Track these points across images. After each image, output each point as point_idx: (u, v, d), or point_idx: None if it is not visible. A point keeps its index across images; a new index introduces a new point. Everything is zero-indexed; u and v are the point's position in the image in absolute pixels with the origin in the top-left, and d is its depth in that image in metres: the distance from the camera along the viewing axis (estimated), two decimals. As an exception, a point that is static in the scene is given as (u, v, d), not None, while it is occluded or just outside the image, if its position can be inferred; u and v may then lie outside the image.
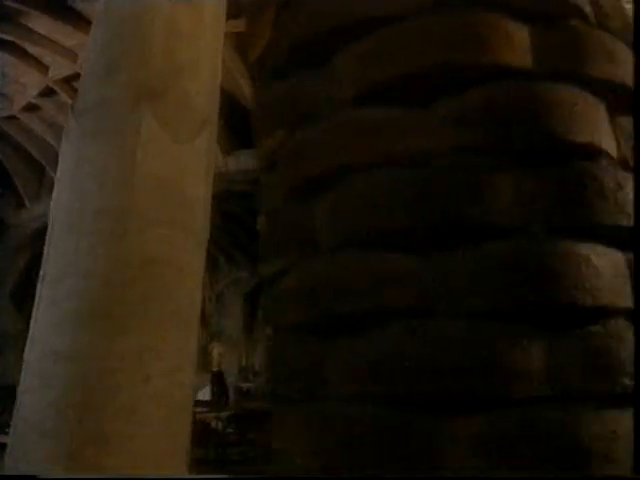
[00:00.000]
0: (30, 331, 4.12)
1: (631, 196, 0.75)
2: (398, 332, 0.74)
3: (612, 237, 0.74)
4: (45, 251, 4.36)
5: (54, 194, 4.99)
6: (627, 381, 0.69)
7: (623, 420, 0.68)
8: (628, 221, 0.73)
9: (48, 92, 8.46)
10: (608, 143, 0.78)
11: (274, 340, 0.85)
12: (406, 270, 0.75)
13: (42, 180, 10.30)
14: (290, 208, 0.88)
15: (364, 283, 0.77)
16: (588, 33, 0.79)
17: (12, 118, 9.23)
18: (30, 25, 7.57)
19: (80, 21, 7.00)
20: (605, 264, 0.72)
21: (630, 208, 0.74)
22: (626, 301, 0.74)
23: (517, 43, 0.76)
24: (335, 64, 0.84)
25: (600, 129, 0.77)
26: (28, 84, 8.46)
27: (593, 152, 0.75)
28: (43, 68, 8.21)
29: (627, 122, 0.83)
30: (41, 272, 4.25)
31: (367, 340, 0.76)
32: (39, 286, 4.23)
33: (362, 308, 0.78)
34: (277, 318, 0.85)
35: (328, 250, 0.83)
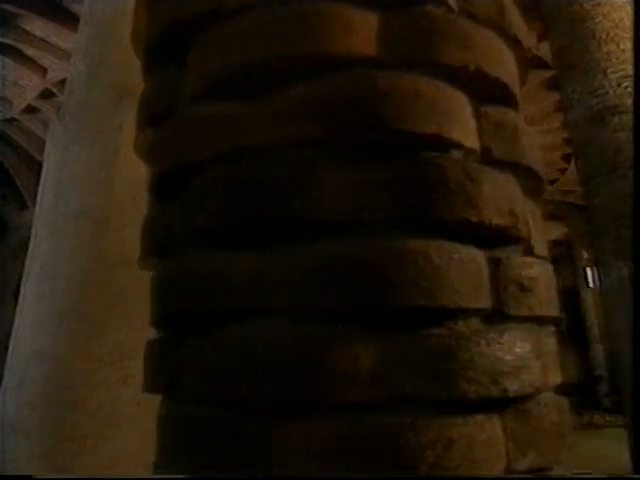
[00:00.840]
0: (13, 330, 4.16)
1: (485, 190, 0.72)
2: (232, 333, 0.73)
3: (464, 233, 0.72)
4: (29, 251, 4.41)
5: (38, 195, 5.04)
6: (467, 386, 0.66)
7: (461, 426, 0.66)
8: (478, 216, 0.70)
9: (47, 94, 8.51)
10: (463, 133, 0.74)
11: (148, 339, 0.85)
12: (240, 269, 0.73)
13: (43, 182, 10.35)
14: (151, 208, 0.88)
15: (198, 284, 0.77)
16: (442, 19, 0.76)
17: (13, 120, 9.30)
18: (28, 28, 7.63)
19: (76, 23, 7.04)
20: (449, 262, 0.69)
21: (483, 202, 0.71)
22: (481, 301, 0.71)
23: (360, 31, 0.73)
24: (188, 58, 0.83)
25: (453, 119, 0.74)
26: (27, 87, 8.51)
27: (441, 143, 0.72)
28: (41, 70, 8.27)
29: (494, 111, 0.80)
30: (25, 271, 4.28)
31: (208, 341, 0.76)
32: (23, 285, 4.27)
33: (198, 309, 0.77)
34: (151, 316, 0.85)
35: (173, 249, 0.82)
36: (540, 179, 0.86)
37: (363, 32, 0.73)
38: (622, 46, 4.86)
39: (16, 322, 4.15)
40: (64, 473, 3.13)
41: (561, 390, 0.89)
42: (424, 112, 0.71)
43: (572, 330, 13.57)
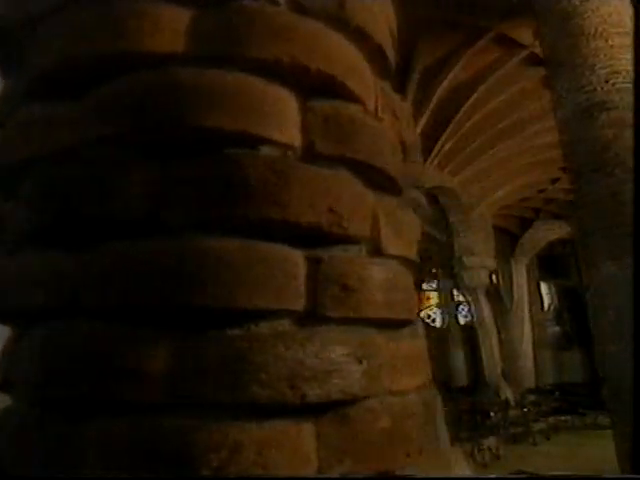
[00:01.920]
0: (-5, 331, 4.22)
1: (295, 187, 0.69)
2: (38, 333, 0.73)
3: (271, 232, 0.69)
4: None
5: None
6: (260, 390, 0.64)
7: (253, 431, 0.63)
8: (282, 215, 0.68)
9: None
10: (279, 129, 0.71)
11: None
12: (49, 269, 0.73)
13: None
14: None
15: (21, 282, 0.77)
16: (258, 13, 0.74)
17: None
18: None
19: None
20: (248, 261, 0.66)
21: (290, 200, 0.69)
22: (291, 302, 0.68)
23: (168, 28, 0.72)
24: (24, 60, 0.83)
25: (266, 114, 0.71)
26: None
27: (247, 139, 0.69)
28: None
29: (324, 105, 0.77)
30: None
31: (23, 341, 0.76)
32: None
33: (17, 308, 0.78)
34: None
35: (8, 246, 0.83)
36: (388, 176, 0.83)
37: (172, 29, 0.71)
38: (610, 42, 4.75)
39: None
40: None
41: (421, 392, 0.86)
42: (229, 108, 0.69)
43: (577, 330, 13.42)
